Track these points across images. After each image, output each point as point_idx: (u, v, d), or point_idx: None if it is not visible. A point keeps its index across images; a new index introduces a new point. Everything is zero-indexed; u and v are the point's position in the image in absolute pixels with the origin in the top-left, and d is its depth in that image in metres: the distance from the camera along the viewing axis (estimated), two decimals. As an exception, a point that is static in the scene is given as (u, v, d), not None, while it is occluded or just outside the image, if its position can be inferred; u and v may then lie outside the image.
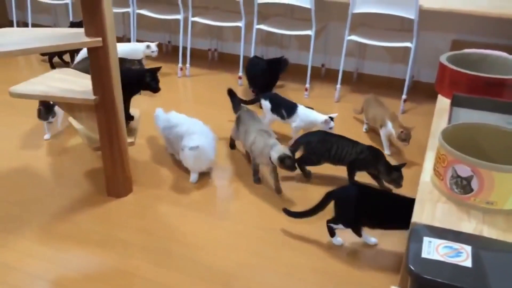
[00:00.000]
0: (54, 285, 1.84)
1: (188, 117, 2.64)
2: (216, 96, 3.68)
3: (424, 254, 1.33)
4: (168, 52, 4.75)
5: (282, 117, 2.87)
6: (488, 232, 1.47)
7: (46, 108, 2.77)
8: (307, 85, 3.72)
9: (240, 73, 3.92)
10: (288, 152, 2.23)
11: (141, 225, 2.20)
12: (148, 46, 3.89)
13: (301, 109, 2.84)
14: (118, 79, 2.12)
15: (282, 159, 2.22)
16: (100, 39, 1.98)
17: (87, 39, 1.97)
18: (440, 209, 1.58)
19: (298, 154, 2.47)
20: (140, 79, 2.45)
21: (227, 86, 3.56)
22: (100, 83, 2.09)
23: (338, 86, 3.64)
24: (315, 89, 3.83)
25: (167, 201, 2.38)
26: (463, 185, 1.56)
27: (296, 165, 2.27)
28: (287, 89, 3.83)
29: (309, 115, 2.81)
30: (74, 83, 2.24)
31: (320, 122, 2.74)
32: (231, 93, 2.89)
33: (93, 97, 2.11)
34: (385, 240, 2.10)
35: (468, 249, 1.35)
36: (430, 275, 1.27)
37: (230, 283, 1.87)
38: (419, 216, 1.54)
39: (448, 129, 1.73)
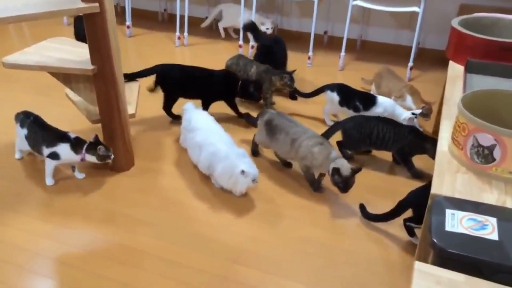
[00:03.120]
0: (58, 262, 1.79)
1: (210, 121, 2.32)
2: (216, 66, 3.56)
3: (448, 227, 1.27)
4: (164, 20, 4.60)
5: (356, 110, 2.60)
6: (511, 203, 1.41)
7: (105, 146, 2.10)
8: (310, 53, 3.60)
9: (241, 42, 3.79)
10: (345, 170, 2.00)
11: (145, 200, 2.13)
12: (262, 23, 3.82)
13: (383, 99, 2.60)
14: (117, 47, 2.01)
15: (333, 173, 2.01)
16: (97, 4, 1.86)
17: (83, 5, 1.85)
18: (460, 180, 1.51)
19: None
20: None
21: (227, 55, 3.47)
22: (99, 52, 1.98)
23: (343, 54, 3.52)
24: (318, 57, 3.72)
25: (171, 175, 2.31)
26: (485, 155, 1.49)
27: (346, 187, 2.03)
28: (289, 58, 3.70)
29: (394, 108, 2.57)
30: (71, 53, 2.13)
31: (402, 118, 2.54)
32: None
33: (91, 66, 2.00)
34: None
35: (493, 221, 1.29)
36: (455, 248, 1.22)
37: (241, 258, 1.82)
38: (438, 187, 1.47)
39: (467, 96, 1.65)
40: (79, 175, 2.25)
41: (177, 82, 2.68)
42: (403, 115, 2.56)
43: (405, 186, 2.26)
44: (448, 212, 1.33)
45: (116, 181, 2.25)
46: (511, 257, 1.19)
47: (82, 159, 2.11)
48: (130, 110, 2.25)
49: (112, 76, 2.04)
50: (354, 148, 2.41)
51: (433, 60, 3.71)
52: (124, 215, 2.04)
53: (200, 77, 2.69)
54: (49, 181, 2.19)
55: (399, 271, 1.78)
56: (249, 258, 1.82)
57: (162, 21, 4.59)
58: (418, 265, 1.17)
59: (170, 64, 2.73)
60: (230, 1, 4.16)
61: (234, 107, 2.79)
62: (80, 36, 3.12)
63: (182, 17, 3.95)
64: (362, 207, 2.03)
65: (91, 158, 2.10)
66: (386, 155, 2.47)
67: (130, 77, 2.60)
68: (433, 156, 2.28)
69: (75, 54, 2.12)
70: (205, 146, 2.15)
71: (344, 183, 2.01)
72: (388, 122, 2.33)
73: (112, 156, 2.12)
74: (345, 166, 2.01)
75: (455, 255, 1.21)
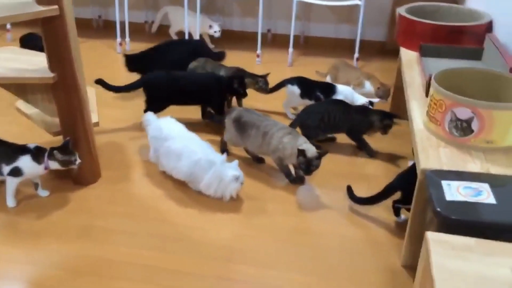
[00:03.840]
0: (34, 286, 1.65)
1: (183, 128, 2.25)
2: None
3: (448, 197, 1.34)
4: (100, 28, 4.41)
5: (318, 101, 2.64)
6: (494, 169, 1.50)
7: (68, 150, 1.96)
8: (259, 51, 3.63)
9: (187, 44, 3.74)
10: (311, 152, 2.02)
11: (120, 210, 2.03)
12: (210, 26, 3.76)
13: (343, 87, 2.68)
14: (78, 52, 1.90)
15: (298, 154, 2.02)
16: (56, 7, 1.74)
17: (41, 8, 1.72)
18: (443, 154, 1.59)
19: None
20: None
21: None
22: (59, 58, 1.85)
23: (291, 50, 3.58)
24: (264, 55, 3.75)
25: (142, 183, 2.21)
26: (463, 128, 1.59)
27: (309, 169, 2.04)
28: (236, 58, 3.70)
29: (353, 94, 2.66)
30: (24, 62, 1.97)
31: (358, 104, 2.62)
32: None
33: (51, 74, 1.87)
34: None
35: (486, 187, 1.38)
36: (460, 215, 1.28)
37: (235, 256, 1.78)
38: (426, 162, 1.54)
39: (437, 76, 1.75)
40: (43, 193, 2.09)
41: (165, 92, 2.60)
42: (359, 101, 2.65)
43: (373, 168, 2.35)
44: (444, 183, 1.40)
45: (84, 195, 2.12)
46: (512, 216, 1.27)
47: (46, 168, 1.95)
48: (93, 118, 2.13)
49: (75, 83, 1.92)
50: (314, 136, 2.44)
51: (372, 50, 3.88)
52: (99, 228, 1.92)
53: (195, 85, 2.62)
54: (11, 202, 2.02)
55: (387, 250, 1.83)
56: (242, 255, 1.79)
57: (97, 28, 4.40)
58: (431, 235, 1.21)
59: (157, 76, 2.63)
60: (172, 3, 4.10)
61: (205, 108, 2.74)
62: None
63: (121, 23, 3.81)
64: (349, 189, 2.04)
65: (54, 165, 1.95)
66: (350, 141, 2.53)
67: (116, 90, 2.60)
68: (381, 130, 2.39)
69: (30, 63, 1.97)
70: (185, 154, 2.07)
71: (307, 164, 2.02)
72: (337, 104, 2.43)
73: (78, 161, 1.97)
74: (311, 149, 2.05)
75: (461, 222, 1.28)
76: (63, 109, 1.98)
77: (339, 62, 3.03)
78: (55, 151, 1.93)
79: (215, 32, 3.76)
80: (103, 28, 4.40)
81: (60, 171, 2.19)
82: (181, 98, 2.62)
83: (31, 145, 1.98)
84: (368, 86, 2.81)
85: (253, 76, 2.80)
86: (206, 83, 2.64)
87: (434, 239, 1.20)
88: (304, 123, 2.42)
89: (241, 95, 2.70)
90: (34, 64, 1.95)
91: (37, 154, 1.95)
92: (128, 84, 2.60)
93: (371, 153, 2.44)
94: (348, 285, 1.67)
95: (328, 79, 3.06)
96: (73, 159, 1.97)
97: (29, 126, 2.47)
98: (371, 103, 2.64)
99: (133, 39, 3.92)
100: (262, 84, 2.76)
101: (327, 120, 2.38)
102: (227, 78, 2.70)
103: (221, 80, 2.68)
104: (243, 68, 2.92)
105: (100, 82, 2.55)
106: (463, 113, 1.56)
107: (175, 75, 2.62)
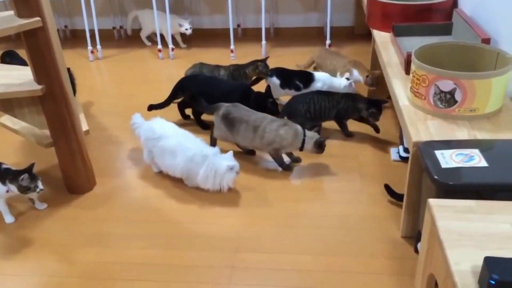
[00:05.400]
0: (49, 298, 1.66)
1: (174, 127, 2.26)
2: (141, 73, 3.50)
3: (444, 165, 1.42)
4: (67, 38, 4.35)
5: (298, 89, 2.70)
6: (480, 135, 1.60)
7: (32, 176, 1.92)
8: (232, 47, 3.66)
9: (160, 46, 3.73)
10: (320, 137, 2.23)
11: (123, 215, 2.04)
12: (180, 25, 3.79)
13: (320, 74, 2.74)
14: (63, 61, 1.90)
15: (320, 144, 2.20)
16: (38, 18, 1.73)
17: (24, 21, 1.71)
18: (431, 126, 1.68)
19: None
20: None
21: (146, 61, 3.40)
22: (45, 69, 1.84)
23: (264, 42, 3.64)
24: (237, 50, 3.78)
25: (139, 186, 2.23)
26: (447, 99, 1.68)
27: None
28: (211, 55, 3.74)
29: (332, 80, 2.72)
30: (9, 77, 1.95)
31: (342, 87, 2.68)
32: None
33: (39, 86, 1.86)
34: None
35: (476, 152, 1.47)
36: (457, 180, 1.37)
37: (242, 246, 1.83)
38: (416, 135, 1.62)
39: (416, 52, 1.83)
40: (41, 206, 2.08)
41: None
42: (342, 84, 2.71)
43: (362, 149, 2.43)
44: (437, 152, 1.48)
45: (83, 203, 2.12)
46: (505, 176, 1.36)
47: (8, 191, 1.92)
48: (83, 126, 2.13)
49: (63, 93, 1.92)
50: (301, 126, 2.50)
51: (342, 36, 3.96)
52: (106, 235, 1.93)
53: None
54: (8, 219, 2.00)
55: (386, 224, 1.91)
56: (249, 243, 1.84)
57: (65, 38, 4.33)
58: (434, 201, 1.29)
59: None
60: (138, 6, 4.08)
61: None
62: None
63: (89, 30, 3.77)
64: (388, 188, 2.03)
65: (14, 189, 1.91)
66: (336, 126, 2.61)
67: (165, 105, 2.67)
68: (368, 116, 2.45)
69: (13, 77, 1.95)
70: (179, 151, 2.10)
71: (324, 144, 2.24)
72: (321, 93, 2.49)
73: (39, 190, 1.93)
74: (315, 135, 2.22)
75: (459, 186, 1.36)
76: (53, 119, 1.97)
77: (322, 51, 3.05)
78: (22, 176, 1.88)
79: (186, 29, 3.78)
80: (71, 38, 4.34)
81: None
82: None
83: (5, 165, 1.98)
84: (356, 74, 2.80)
85: (252, 63, 2.81)
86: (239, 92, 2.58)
87: (436, 205, 1.28)
88: (290, 114, 2.47)
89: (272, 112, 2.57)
90: (19, 78, 1.94)
91: (3, 174, 1.92)
92: (170, 95, 2.68)
93: (349, 134, 2.54)
94: (354, 259, 1.74)
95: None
96: (31, 186, 1.90)
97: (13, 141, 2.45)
98: (348, 79, 2.71)
99: (104, 46, 3.88)
100: (262, 68, 2.76)
101: (314, 109, 2.44)
102: (262, 96, 2.57)
103: (255, 97, 2.58)
104: (235, 63, 2.95)
105: (152, 107, 2.67)
106: (446, 85, 1.65)
107: (207, 79, 2.68)
